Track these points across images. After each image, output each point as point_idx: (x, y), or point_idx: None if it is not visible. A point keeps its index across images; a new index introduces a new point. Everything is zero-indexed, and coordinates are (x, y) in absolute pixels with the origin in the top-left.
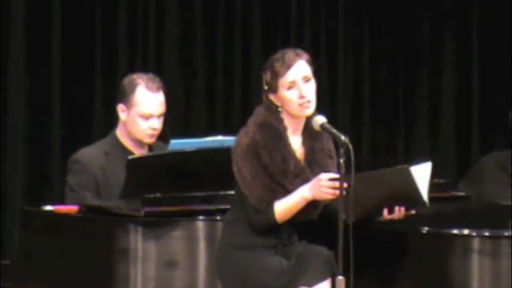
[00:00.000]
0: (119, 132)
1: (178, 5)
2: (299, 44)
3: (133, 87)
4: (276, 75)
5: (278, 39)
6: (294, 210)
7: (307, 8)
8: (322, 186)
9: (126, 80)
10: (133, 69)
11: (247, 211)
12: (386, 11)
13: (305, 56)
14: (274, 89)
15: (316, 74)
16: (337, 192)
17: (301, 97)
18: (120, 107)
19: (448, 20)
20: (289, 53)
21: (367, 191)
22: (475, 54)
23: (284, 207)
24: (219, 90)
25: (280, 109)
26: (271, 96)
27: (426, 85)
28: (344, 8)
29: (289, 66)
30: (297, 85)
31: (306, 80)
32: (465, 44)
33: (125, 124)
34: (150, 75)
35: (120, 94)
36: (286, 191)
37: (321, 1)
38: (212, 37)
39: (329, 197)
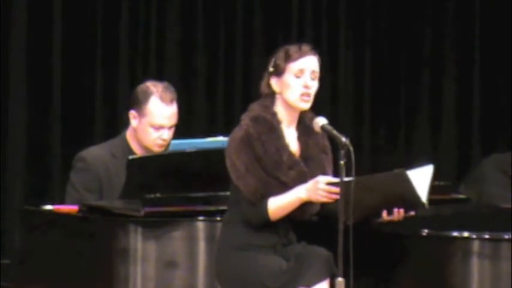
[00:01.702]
0: (129, 136)
1: (179, 4)
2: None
3: (147, 96)
4: (288, 58)
5: (279, 40)
6: (288, 209)
7: (308, 8)
8: (319, 189)
9: (140, 88)
10: (134, 68)
11: (241, 205)
12: (387, 11)
13: (318, 56)
14: (280, 71)
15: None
16: (334, 196)
17: (306, 86)
18: (132, 114)
19: (450, 21)
20: (307, 46)
21: (365, 195)
22: (476, 55)
23: (278, 204)
24: (220, 90)
25: (277, 96)
26: (273, 80)
27: (427, 86)
28: (345, 8)
29: (303, 54)
30: (305, 75)
31: (314, 76)
32: (466, 45)
33: (135, 130)
34: (165, 84)
35: (132, 101)
36: (281, 184)
37: (323, 2)
38: (213, 37)
39: (325, 200)
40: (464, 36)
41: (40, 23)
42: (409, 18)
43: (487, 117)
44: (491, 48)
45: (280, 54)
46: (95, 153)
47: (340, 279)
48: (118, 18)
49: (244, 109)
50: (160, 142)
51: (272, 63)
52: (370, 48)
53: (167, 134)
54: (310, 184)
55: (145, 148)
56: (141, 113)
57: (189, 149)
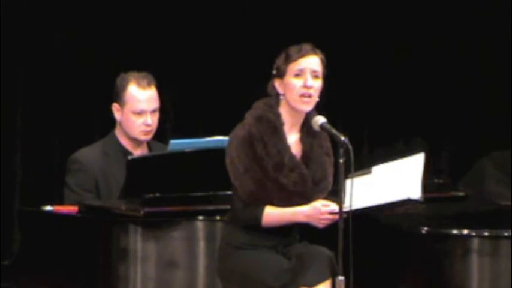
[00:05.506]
0: (118, 132)
1: (178, 5)
2: None
3: (124, 84)
4: (288, 59)
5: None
6: (281, 223)
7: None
8: (321, 218)
9: (118, 79)
10: (133, 69)
11: (235, 203)
12: (386, 18)
13: (320, 55)
14: (282, 73)
15: (326, 78)
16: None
17: (305, 87)
18: (115, 107)
19: (448, 21)
20: (307, 46)
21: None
22: (475, 54)
23: (273, 216)
24: (220, 90)
25: (281, 97)
26: (277, 82)
27: (426, 83)
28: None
29: (302, 55)
30: (304, 75)
31: (315, 75)
32: (465, 44)
33: (120, 123)
34: (143, 73)
35: (113, 93)
36: (280, 186)
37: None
38: (212, 40)
39: (325, 225)
40: (464, 34)
41: (40, 22)
42: (407, 20)
43: (487, 115)
44: (489, 49)
45: (281, 56)
46: (88, 153)
47: (340, 278)
48: (117, 19)
49: (243, 110)
50: (145, 128)
51: (275, 65)
52: (370, 53)
53: (150, 119)
54: (311, 211)
55: (133, 140)
56: (121, 103)
57: (188, 149)
